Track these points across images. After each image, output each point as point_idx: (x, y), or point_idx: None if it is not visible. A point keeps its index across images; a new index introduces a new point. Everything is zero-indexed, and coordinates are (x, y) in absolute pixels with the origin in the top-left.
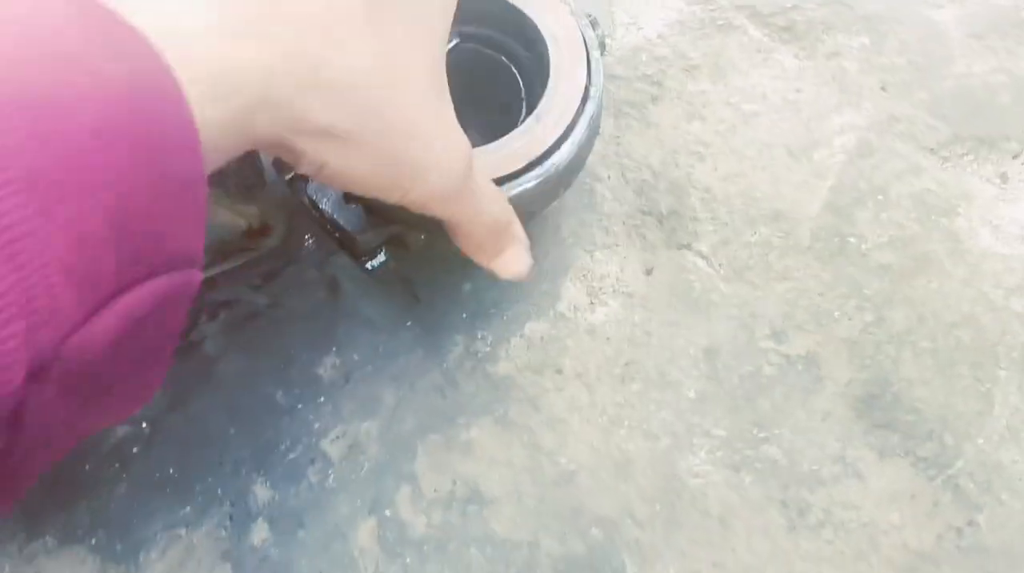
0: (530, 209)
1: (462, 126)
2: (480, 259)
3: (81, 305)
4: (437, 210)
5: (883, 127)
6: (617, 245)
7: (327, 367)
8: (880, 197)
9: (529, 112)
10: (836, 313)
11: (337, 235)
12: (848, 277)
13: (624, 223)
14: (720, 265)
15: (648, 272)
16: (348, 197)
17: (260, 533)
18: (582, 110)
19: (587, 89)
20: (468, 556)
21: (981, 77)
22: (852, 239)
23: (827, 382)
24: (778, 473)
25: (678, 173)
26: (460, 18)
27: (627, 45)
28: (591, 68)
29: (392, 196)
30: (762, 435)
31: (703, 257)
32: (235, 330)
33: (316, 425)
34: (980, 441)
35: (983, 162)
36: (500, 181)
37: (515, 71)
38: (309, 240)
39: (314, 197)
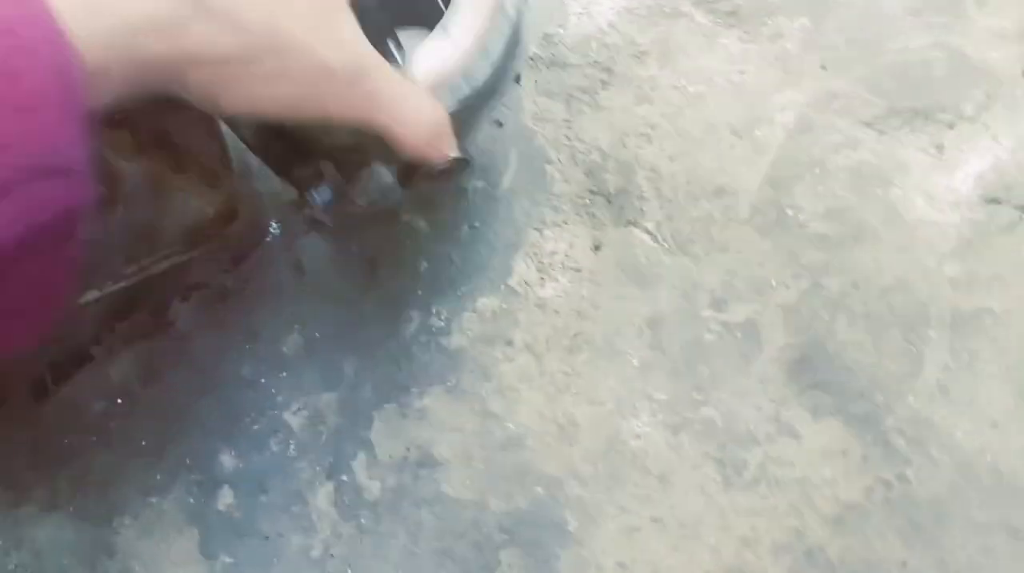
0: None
1: (381, 38)
2: (418, 158)
3: None
4: (358, 118)
5: (822, 103)
6: (567, 223)
7: (290, 343)
8: (818, 170)
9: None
10: (774, 282)
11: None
12: (786, 247)
13: (573, 202)
14: (665, 240)
15: (596, 248)
16: (270, 133)
17: (225, 498)
18: (497, 23)
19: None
20: (419, 516)
21: (918, 52)
22: (790, 211)
23: (765, 347)
24: (716, 434)
25: (626, 154)
26: None
27: (578, 33)
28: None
29: (308, 113)
30: (701, 398)
31: (649, 233)
32: (205, 310)
33: (279, 398)
34: (911, 399)
35: (919, 134)
36: None
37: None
38: (274, 225)
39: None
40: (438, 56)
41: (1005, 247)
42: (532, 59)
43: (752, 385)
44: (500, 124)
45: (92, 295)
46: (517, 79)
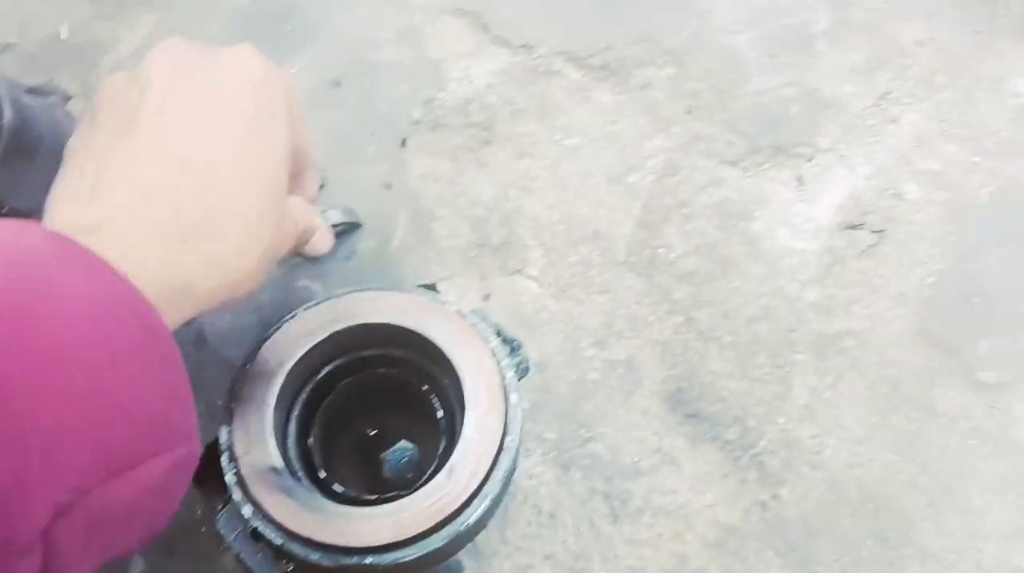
0: (434, 561)
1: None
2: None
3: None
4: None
5: (688, 147)
6: (455, 276)
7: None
8: (685, 210)
9: (449, 438)
10: (650, 318)
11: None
12: (659, 285)
13: (461, 255)
14: (548, 285)
15: (485, 298)
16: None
17: (136, 567)
18: (496, 463)
19: (502, 440)
20: None
21: (774, 91)
22: (661, 250)
23: (644, 382)
24: (602, 468)
25: (508, 206)
26: (382, 341)
27: (459, 97)
28: (508, 415)
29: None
30: (588, 434)
31: (533, 279)
32: None
33: None
34: (781, 421)
35: (780, 168)
36: (407, 542)
37: (437, 397)
38: None
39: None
40: (438, 497)
41: (863, 270)
42: (416, 122)
43: (634, 418)
44: (388, 186)
45: None
46: (403, 143)
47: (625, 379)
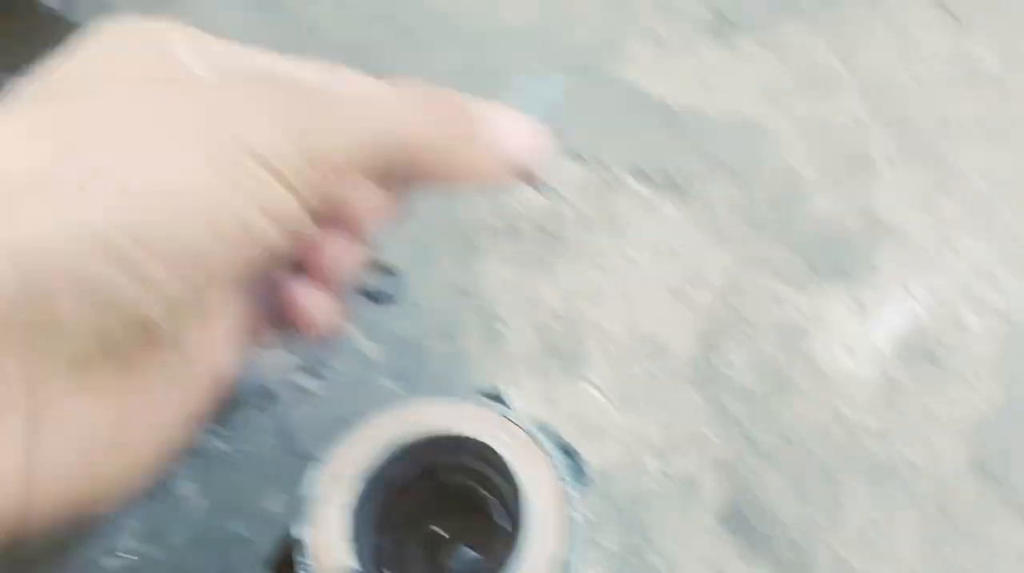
0: None
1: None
2: (453, 175)
3: None
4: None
5: (749, 264)
6: (521, 381)
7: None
8: (745, 328)
9: (512, 548)
10: (709, 434)
11: None
12: (718, 401)
13: (527, 362)
14: (611, 395)
15: (549, 405)
16: None
17: None
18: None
19: (562, 555)
20: None
21: (835, 214)
22: (722, 367)
23: (704, 497)
24: None
25: (575, 315)
26: (453, 450)
27: (532, 205)
28: (568, 530)
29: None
30: (647, 547)
31: (597, 388)
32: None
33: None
34: (836, 546)
35: (840, 291)
36: None
37: (503, 507)
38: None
39: None
40: None
41: (920, 398)
42: (489, 227)
43: (693, 533)
44: (459, 289)
45: None
46: (474, 247)
47: (684, 493)
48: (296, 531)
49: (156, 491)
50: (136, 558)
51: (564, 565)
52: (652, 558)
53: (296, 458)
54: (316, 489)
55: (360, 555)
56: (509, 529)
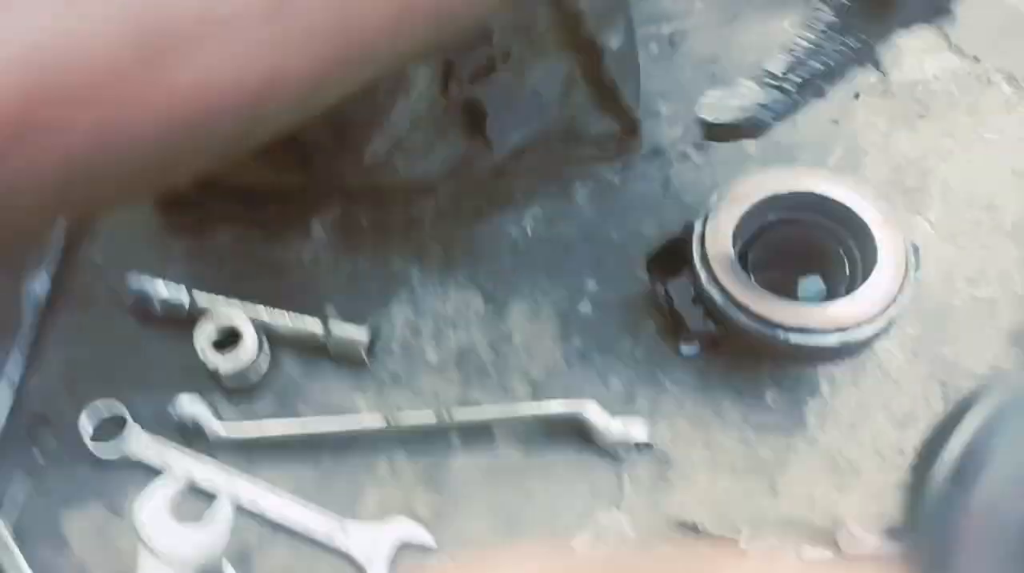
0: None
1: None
2: None
3: None
4: None
5: None
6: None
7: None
8: None
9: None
10: (1017, 277)
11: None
12: None
13: (876, 189)
14: (942, 231)
15: None
16: None
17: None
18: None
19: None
20: None
21: None
22: None
23: (998, 321)
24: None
25: (925, 165)
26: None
27: (910, 78)
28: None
29: None
30: (936, 339)
31: (930, 223)
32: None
33: None
34: None
35: None
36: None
37: (843, 255)
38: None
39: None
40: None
41: None
42: (867, 92)
43: (984, 344)
44: (835, 122)
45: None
46: (856, 96)
47: (984, 313)
48: (698, 225)
49: (556, 193)
50: (531, 234)
51: (908, 291)
52: (942, 349)
53: (671, 202)
54: (714, 201)
55: (738, 252)
56: (850, 274)
